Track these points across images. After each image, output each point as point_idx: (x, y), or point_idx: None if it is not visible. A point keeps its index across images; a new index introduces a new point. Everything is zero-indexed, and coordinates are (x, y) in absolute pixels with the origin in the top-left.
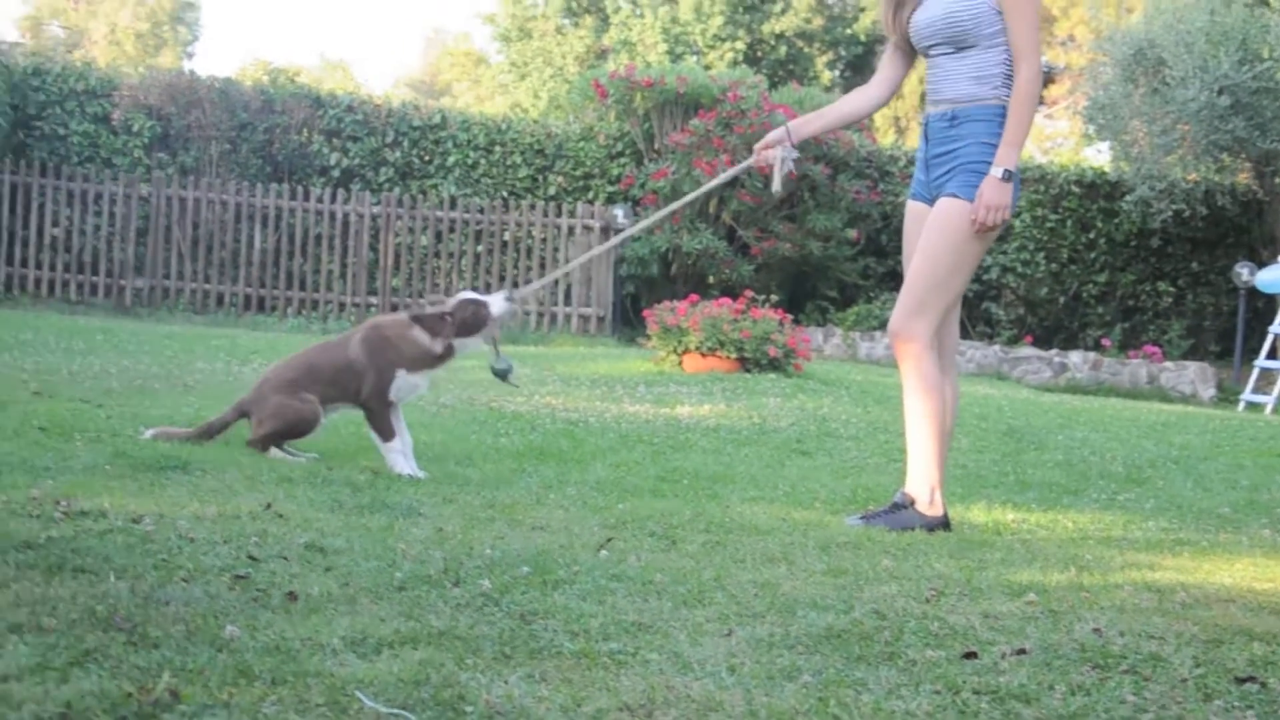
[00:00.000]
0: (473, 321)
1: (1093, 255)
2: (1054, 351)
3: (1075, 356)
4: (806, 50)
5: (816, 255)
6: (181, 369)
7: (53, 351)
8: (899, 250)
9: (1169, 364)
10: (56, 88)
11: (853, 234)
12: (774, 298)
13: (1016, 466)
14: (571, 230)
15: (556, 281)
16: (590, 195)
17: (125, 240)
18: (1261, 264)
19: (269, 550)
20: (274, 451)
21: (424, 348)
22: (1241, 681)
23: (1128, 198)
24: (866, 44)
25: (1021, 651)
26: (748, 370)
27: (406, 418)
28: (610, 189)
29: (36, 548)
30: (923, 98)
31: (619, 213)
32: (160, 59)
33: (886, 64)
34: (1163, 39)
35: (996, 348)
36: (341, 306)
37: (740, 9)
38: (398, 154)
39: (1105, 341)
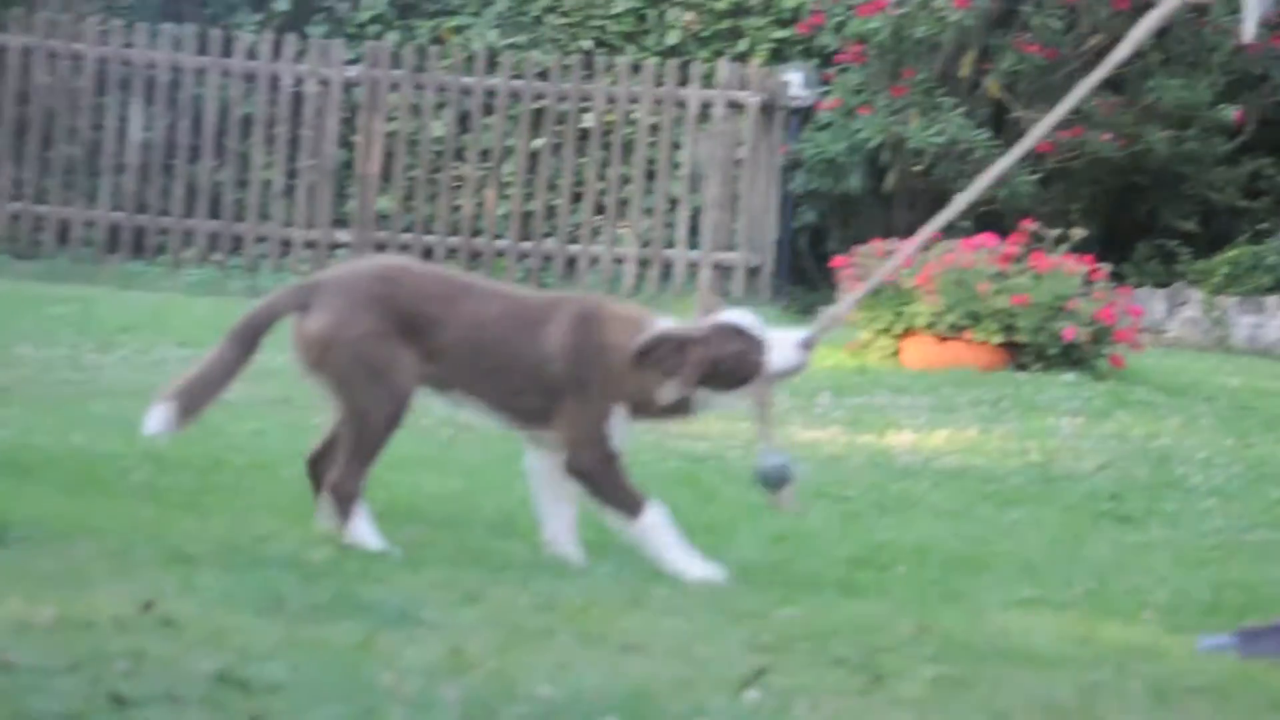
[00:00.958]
0: (732, 369)
1: None
2: None
3: None
4: None
5: (1160, 155)
6: None
7: None
8: None
9: None
10: None
11: (1232, 114)
12: (1076, 233)
13: None
14: (706, 110)
15: (673, 207)
16: (739, 47)
17: None
18: None
19: (148, 686)
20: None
21: (646, 383)
22: None
23: None
24: None
25: None
26: (1021, 366)
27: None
28: (777, 35)
29: None
30: None
31: (795, 79)
32: None
33: None
34: None
35: None
36: (285, 247)
37: None
38: None
39: None
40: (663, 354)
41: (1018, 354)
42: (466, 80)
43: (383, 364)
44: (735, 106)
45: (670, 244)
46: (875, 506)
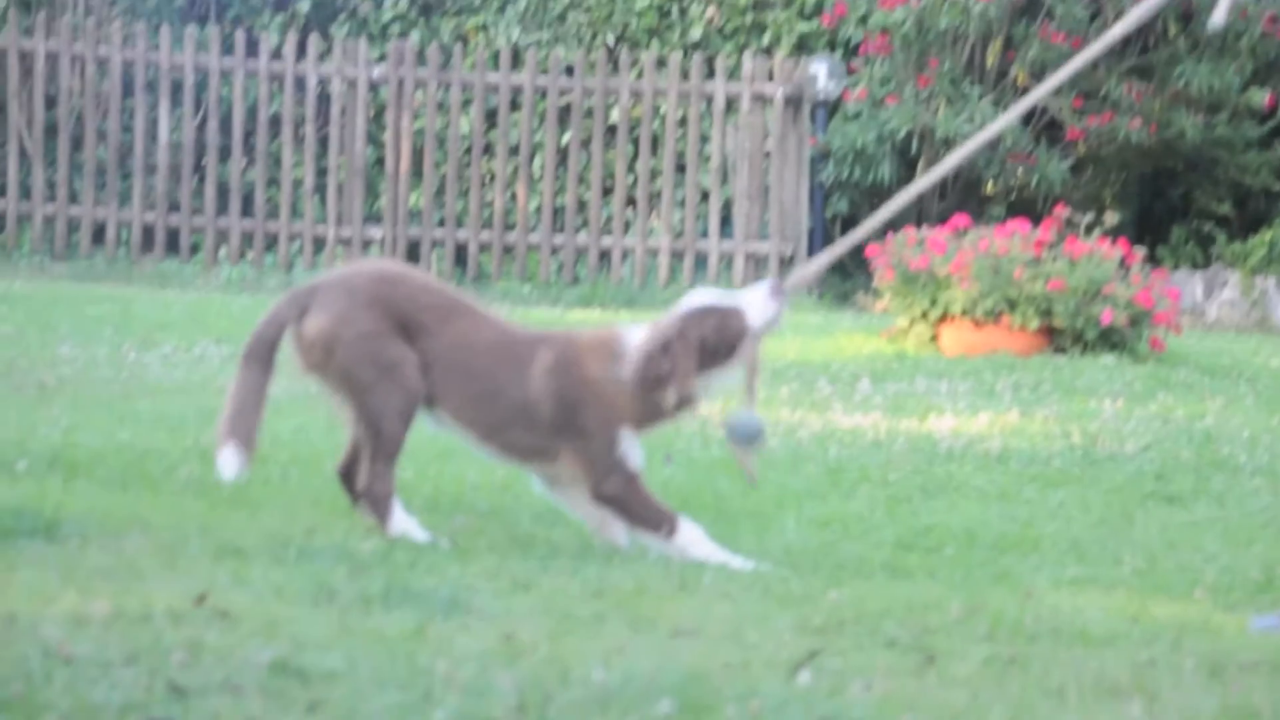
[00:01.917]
0: (718, 343)
1: None
2: None
3: None
4: None
5: (1191, 140)
6: (31, 357)
7: None
8: None
9: None
10: None
11: (1263, 97)
12: (1111, 218)
13: None
14: (732, 104)
15: (704, 199)
16: (765, 40)
17: None
18: None
19: (206, 676)
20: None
21: (650, 400)
22: None
23: None
24: None
25: None
26: (1060, 350)
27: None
28: (802, 27)
29: None
30: None
31: (820, 71)
32: None
33: None
34: None
35: None
36: (318, 245)
37: None
38: None
39: None
40: (656, 366)
41: (1055, 338)
42: (492, 77)
43: (388, 360)
44: (761, 99)
45: (703, 235)
46: (919, 490)
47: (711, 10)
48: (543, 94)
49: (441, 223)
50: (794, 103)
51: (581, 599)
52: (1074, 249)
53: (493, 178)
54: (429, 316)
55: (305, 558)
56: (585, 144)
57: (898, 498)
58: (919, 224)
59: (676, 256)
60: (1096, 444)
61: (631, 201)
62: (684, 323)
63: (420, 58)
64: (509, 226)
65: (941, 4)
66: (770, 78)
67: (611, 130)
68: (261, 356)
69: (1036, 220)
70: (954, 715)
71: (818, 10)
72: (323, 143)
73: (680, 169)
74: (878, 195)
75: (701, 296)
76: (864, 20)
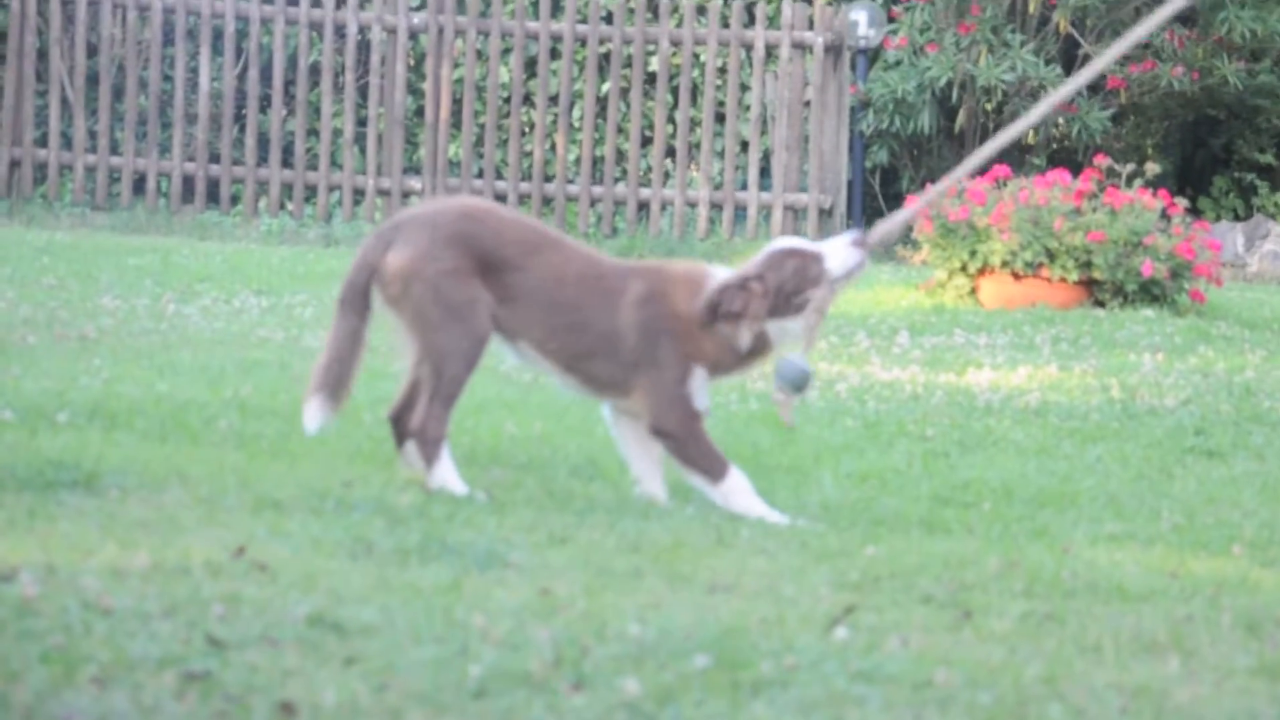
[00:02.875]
0: (796, 288)
1: None
2: None
3: None
4: None
5: (1233, 88)
6: (73, 308)
7: None
8: None
9: None
10: None
11: None
12: (1152, 168)
13: None
14: (772, 52)
15: (743, 150)
16: None
17: None
18: None
19: (244, 629)
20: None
21: (722, 336)
22: None
23: None
24: None
25: None
26: (1100, 303)
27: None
28: None
29: None
30: None
31: (860, 18)
32: None
33: None
34: None
35: None
36: (357, 196)
37: None
38: None
39: None
40: (727, 302)
41: (1095, 291)
42: (531, 25)
43: (461, 302)
44: (801, 47)
45: (742, 186)
46: (957, 445)
47: None
48: (582, 42)
49: (480, 174)
50: (834, 51)
51: (618, 553)
52: (1114, 200)
53: (532, 128)
54: (514, 251)
55: (343, 510)
56: (624, 93)
57: (935, 452)
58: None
59: (715, 208)
60: (1135, 398)
61: (670, 152)
62: (764, 264)
63: (460, 5)
64: (548, 178)
65: None
66: (810, 25)
67: (651, 79)
68: (355, 303)
69: (1077, 171)
70: (990, 671)
71: None
72: (362, 92)
73: (719, 119)
74: (918, 145)
75: (785, 241)
76: None
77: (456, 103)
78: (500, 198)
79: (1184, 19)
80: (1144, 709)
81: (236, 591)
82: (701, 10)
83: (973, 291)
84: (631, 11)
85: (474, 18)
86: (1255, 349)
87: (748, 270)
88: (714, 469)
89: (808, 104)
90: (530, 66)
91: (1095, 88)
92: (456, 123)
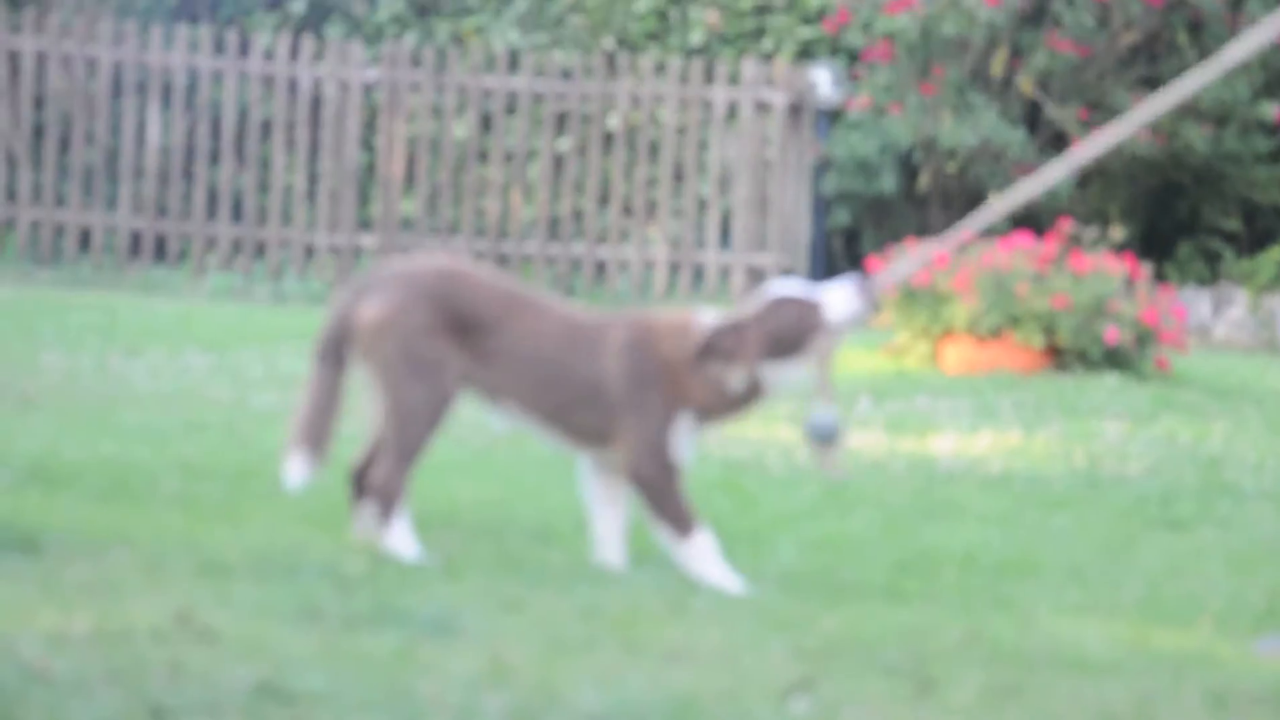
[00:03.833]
0: (793, 334)
1: None
2: None
3: None
4: None
5: (1199, 153)
6: (14, 366)
7: None
8: None
9: None
10: None
11: (1272, 110)
12: (1117, 233)
13: None
14: (733, 110)
15: (702, 209)
16: (766, 46)
17: None
18: None
19: (188, 697)
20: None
21: (713, 380)
22: None
23: None
24: None
25: None
26: (1064, 368)
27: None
28: (804, 33)
29: None
30: None
31: (822, 78)
32: None
33: None
34: None
35: None
36: (309, 252)
37: None
38: None
39: None
40: (722, 345)
41: (1059, 357)
42: (488, 81)
43: (431, 361)
44: (762, 106)
45: (701, 246)
46: (919, 512)
47: (712, 15)
48: (540, 99)
49: (435, 231)
50: (795, 110)
51: (572, 621)
52: (1079, 264)
53: (487, 185)
54: (492, 311)
55: (290, 575)
56: (582, 151)
57: (896, 520)
58: (921, 236)
59: (674, 268)
60: (1099, 466)
61: (628, 211)
62: (762, 308)
63: (415, 60)
64: (503, 235)
65: (947, 10)
66: (771, 84)
67: (609, 137)
68: (331, 354)
69: (1041, 234)
70: None
71: (820, 16)
72: (314, 147)
73: (679, 178)
74: (879, 207)
75: (784, 285)
76: (867, 27)
77: (410, 159)
78: (455, 255)
79: (1149, 83)
80: None
81: (180, 658)
82: (661, 67)
83: (935, 356)
84: (590, 69)
85: (429, 73)
86: (1221, 418)
87: (743, 314)
88: (683, 525)
89: (768, 164)
90: (486, 123)
91: (1060, 150)
92: (410, 179)
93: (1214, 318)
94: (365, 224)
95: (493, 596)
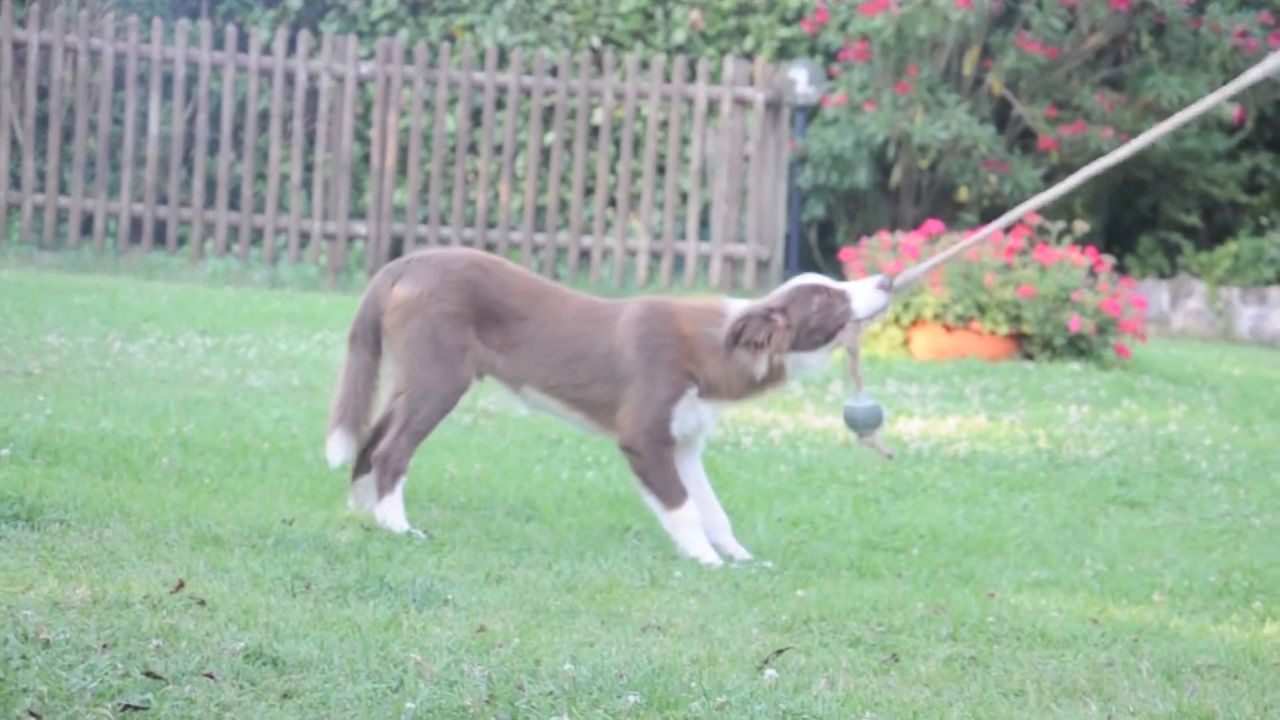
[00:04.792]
0: (820, 325)
1: None
2: None
3: None
4: None
5: (1160, 151)
6: (18, 345)
7: None
8: None
9: None
10: None
11: (1232, 112)
12: (1081, 227)
13: None
14: (714, 106)
15: (683, 201)
16: (746, 45)
17: None
18: None
19: (182, 663)
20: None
21: (738, 364)
22: None
23: None
24: None
25: None
26: (1029, 356)
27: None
28: (783, 32)
29: None
30: None
31: (800, 76)
32: None
33: None
34: None
35: None
36: (303, 239)
37: None
38: None
39: None
40: (751, 331)
41: (1024, 344)
42: (478, 76)
43: (452, 346)
44: (742, 103)
45: (681, 236)
46: (888, 491)
47: (695, 14)
48: (527, 94)
49: (425, 220)
50: (774, 107)
51: (554, 593)
52: (1044, 256)
53: (477, 176)
54: (518, 302)
55: (283, 547)
56: (568, 144)
57: (866, 498)
58: (893, 229)
59: (655, 257)
60: (1061, 449)
61: (612, 202)
62: (790, 297)
63: (408, 56)
64: (491, 225)
65: (921, 11)
66: (751, 82)
67: (594, 131)
68: (365, 337)
69: (1008, 226)
70: (915, 713)
71: (799, 16)
72: (310, 138)
73: (661, 171)
74: (853, 200)
75: (811, 277)
76: (844, 27)
77: (403, 150)
78: (445, 244)
79: (1114, 83)
80: None
81: (175, 626)
82: (645, 65)
83: (905, 343)
84: (576, 65)
85: (421, 68)
86: (1178, 403)
87: (772, 302)
88: (670, 496)
89: (747, 158)
90: (476, 116)
91: (1027, 148)
92: (403, 170)
93: (1172, 308)
94: (359, 213)
95: (477, 569)
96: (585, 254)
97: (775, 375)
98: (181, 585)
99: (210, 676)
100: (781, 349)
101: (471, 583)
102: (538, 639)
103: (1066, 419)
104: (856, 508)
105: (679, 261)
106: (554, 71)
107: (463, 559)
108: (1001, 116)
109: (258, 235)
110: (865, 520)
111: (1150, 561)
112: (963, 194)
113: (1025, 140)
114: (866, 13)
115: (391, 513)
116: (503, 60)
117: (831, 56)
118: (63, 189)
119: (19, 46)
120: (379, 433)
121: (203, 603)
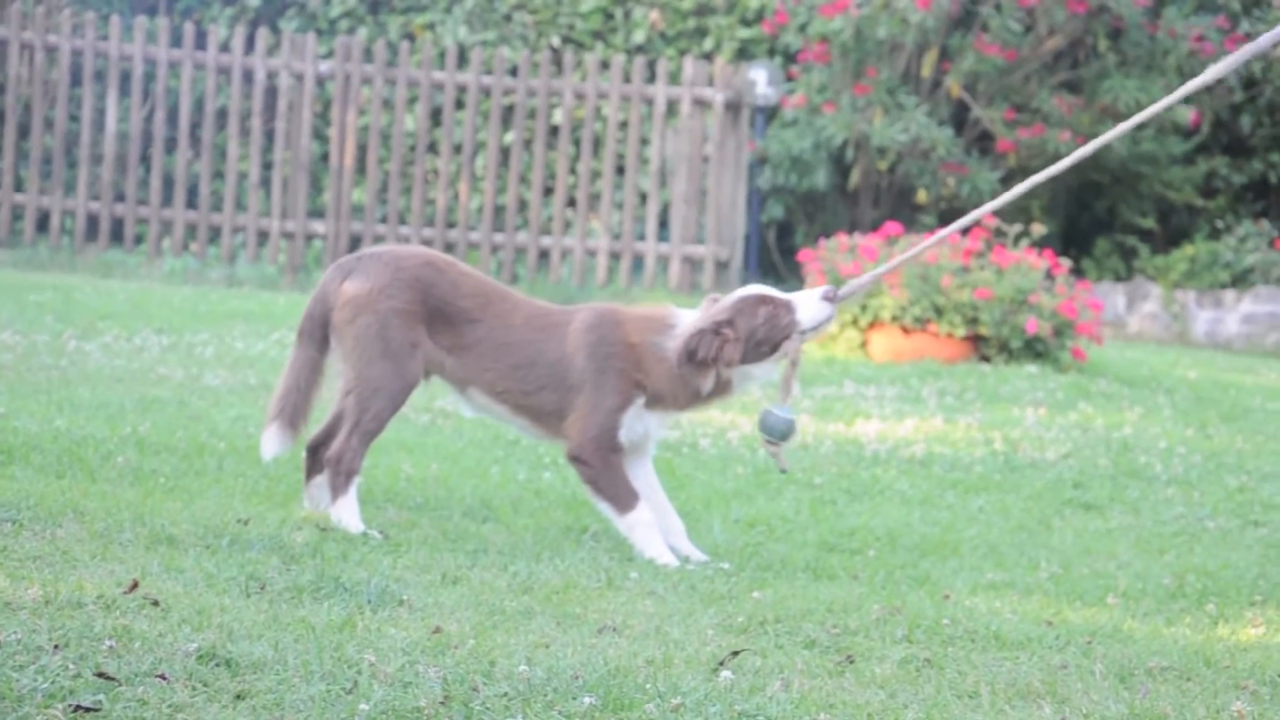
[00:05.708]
0: (766, 336)
1: None
2: None
3: None
4: None
5: (1117, 154)
6: None
7: None
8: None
9: None
10: None
11: (1188, 115)
12: (1038, 229)
13: None
14: (673, 107)
15: (642, 201)
16: (706, 45)
17: None
18: None
19: (135, 664)
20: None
21: (685, 376)
22: None
23: None
24: None
25: None
26: (985, 359)
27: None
28: (743, 33)
29: None
30: None
31: (760, 77)
32: None
33: None
34: None
35: None
36: (261, 238)
37: None
38: None
39: None
40: (704, 348)
41: (981, 346)
42: (438, 75)
43: (401, 343)
44: (701, 104)
45: (640, 237)
46: (844, 493)
47: (654, 15)
48: (487, 93)
49: (384, 219)
50: (733, 108)
51: (509, 594)
52: (1001, 259)
53: (436, 175)
54: (469, 304)
55: (238, 547)
56: (528, 144)
57: (823, 500)
58: (851, 231)
59: (614, 258)
60: (1017, 451)
61: (572, 202)
62: (738, 310)
63: (367, 54)
64: (450, 224)
65: (880, 13)
66: (710, 83)
67: (554, 131)
68: (313, 333)
69: (965, 229)
70: (870, 715)
71: (759, 17)
72: (269, 136)
73: (620, 171)
74: (812, 201)
75: (756, 288)
76: (803, 28)
77: (362, 149)
78: (403, 243)
79: (1071, 87)
80: None
81: (128, 626)
82: (605, 65)
83: (863, 344)
84: (536, 65)
85: (381, 67)
86: (1133, 406)
87: (718, 315)
88: (622, 500)
89: (706, 159)
90: (435, 116)
91: (985, 150)
92: (362, 169)
93: (1128, 311)
94: (317, 211)
95: (433, 570)
96: (544, 254)
97: (721, 387)
98: (135, 585)
99: (163, 678)
100: (732, 363)
101: (427, 584)
102: (493, 640)
103: (1023, 421)
104: (813, 509)
105: (638, 262)
106: (514, 71)
107: (418, 560)
108: (960, 119)
109: (215, 234)
110: (822, 522)
111: (1104, 564)
112: (921, 196)
113: (983, 143)
114: (826, 14)
115: (346, 513)
116: (462, 59)
117: (791, 58)
118: (18, 186)
119: None
120: (330, 433)
121: (156, 603)
